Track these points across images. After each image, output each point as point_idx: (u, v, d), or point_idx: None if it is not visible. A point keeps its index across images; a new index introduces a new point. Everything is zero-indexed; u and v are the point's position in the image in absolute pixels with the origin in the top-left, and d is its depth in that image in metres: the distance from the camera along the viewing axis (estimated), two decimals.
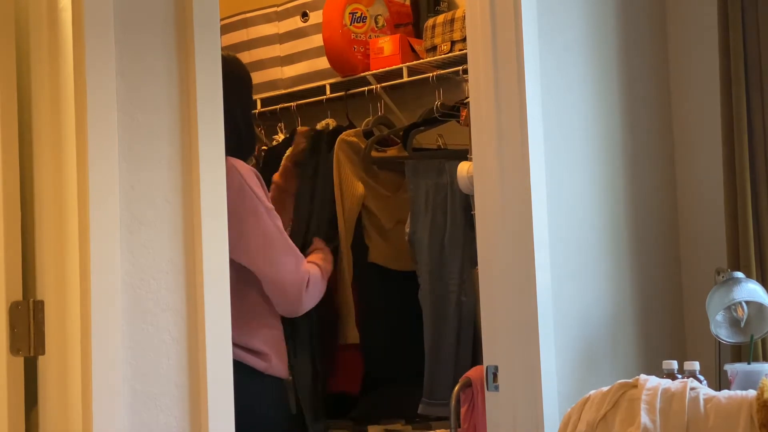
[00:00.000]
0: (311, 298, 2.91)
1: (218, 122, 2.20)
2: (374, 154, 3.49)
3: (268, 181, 3.37)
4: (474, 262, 2.82)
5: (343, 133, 3.49)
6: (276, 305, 2.86)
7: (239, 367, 2.42)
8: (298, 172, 3.48)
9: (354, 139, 3.48)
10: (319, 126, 3.67)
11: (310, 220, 3.40)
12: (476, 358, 3.15)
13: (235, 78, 2.87)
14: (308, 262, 2.98)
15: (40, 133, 2.12)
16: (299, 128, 3.64)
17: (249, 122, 2.96)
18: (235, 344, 2.65)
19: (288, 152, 3.50)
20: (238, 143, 2.75)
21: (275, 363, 2.81)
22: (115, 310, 2.01)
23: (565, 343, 2.73)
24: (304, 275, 2.86)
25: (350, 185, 3.42)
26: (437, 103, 3.37)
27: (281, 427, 2.89)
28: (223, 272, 2.18)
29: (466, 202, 3.19)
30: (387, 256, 3.45)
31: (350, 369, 3.35)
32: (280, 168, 3.49)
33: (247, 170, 2.79)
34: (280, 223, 2.85)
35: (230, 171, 2.66)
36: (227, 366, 2.17)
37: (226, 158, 2.61)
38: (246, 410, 2.34)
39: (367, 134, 3.53)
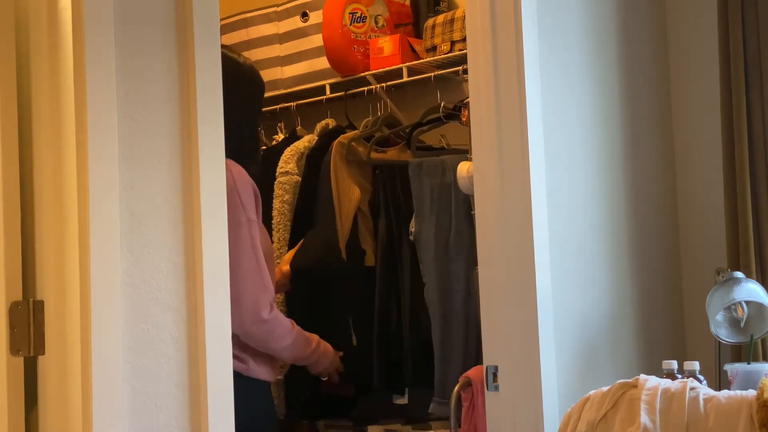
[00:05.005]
0: (271, 332, 2.74)
1: (218, 122, 2.20)
2: (374, 155, 3.48)
3: (267, 188, 3.38)
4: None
5: (341, 136, 3.48)
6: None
7: None
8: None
9: (351, 142, 3.47)
10: (318, 126, 3.66)
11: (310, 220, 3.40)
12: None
13: (251, 85, 2.92)
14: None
15: (40, 133, 2.12)
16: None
17: (254, 130, 2.94)
18: None
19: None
20: (238, 148, 2.69)
21: (253, 366, 2.75)
22: (115, 310, 2.01)
23: (565, 343, 2.73)
24: (264, 299, 2.70)
25: (346, 189, 3.40)
26: (441, 104, 3.36)
27: (260, 429, 2.83)
28: (223, 272, 2.18)
29: (470, 201, 3.18)
30: None
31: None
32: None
33: (240, 175, 2.70)
34: (257, 237, 2.71)
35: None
36: (227, 366, 2.17)
37: (225, 159, 2.62)
38: None
39: (368, 137, 3.51)
